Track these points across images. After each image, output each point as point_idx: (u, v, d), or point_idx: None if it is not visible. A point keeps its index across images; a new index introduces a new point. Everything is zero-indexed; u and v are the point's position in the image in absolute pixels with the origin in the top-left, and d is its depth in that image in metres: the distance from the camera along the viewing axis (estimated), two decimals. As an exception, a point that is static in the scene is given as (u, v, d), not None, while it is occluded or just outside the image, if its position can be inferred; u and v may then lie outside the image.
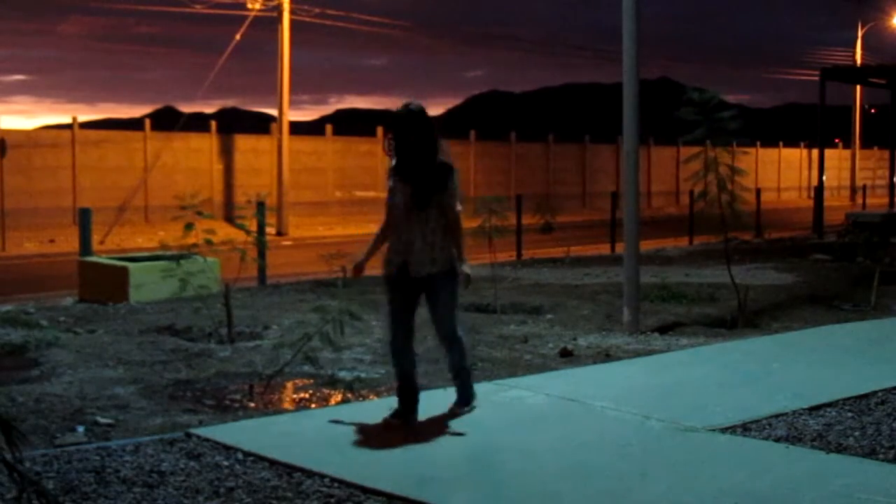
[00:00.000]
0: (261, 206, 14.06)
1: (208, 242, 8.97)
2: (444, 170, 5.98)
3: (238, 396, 6.98)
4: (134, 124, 30.39)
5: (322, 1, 31.18)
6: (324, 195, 32.16)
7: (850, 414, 6.32)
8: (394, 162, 6.06)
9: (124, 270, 11.84)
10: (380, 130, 32.79)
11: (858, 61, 48.46)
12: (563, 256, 17.49)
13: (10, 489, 4.08)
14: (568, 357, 8.30)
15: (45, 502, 3.22)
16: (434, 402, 6.52)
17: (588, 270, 15.19)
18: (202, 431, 5.81)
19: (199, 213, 9.06)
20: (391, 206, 6.07)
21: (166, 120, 32.94)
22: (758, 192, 25.60)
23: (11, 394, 6.76)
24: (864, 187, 39.26)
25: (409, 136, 5.91)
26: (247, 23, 27.97)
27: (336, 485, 4.90)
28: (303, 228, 28.59)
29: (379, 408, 6.50)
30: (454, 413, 6.22)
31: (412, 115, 5.93)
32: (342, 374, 7.59)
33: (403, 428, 5.92)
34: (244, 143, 30.77)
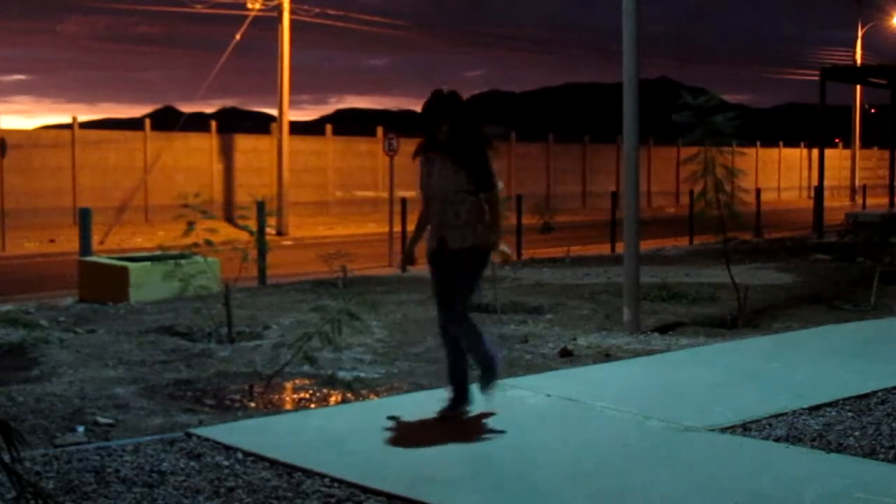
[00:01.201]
0: (261, 206, 14.09)
1: (209, 243, 8.99)
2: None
3: (238, 396, 6.98)
4: (134, 124, 30.41)
5: (322, 1, 31.22)
6: (324, 195, 32.17)
7: (850, 414, 6.32)
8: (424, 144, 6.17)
9: (124, 270, 11.84)
10: (380, 130, 32.80)
11: (858, 61, 48.44)
12: (563, 256, 17.49)
13: (10, 489, 4.09)
14: (568, 357, 8.30)
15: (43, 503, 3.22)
16: (435, 401, 6.53)
17: (588, 270, 15.19)
18: (202, 431, 5.81)
19: (204, 213, 9.08)
20: (427, 188, 6.16)
21: (166, 120, 32.96)
22: (758, 192, 25.60)
23: (11, 394, 6.76)
24: (864, 187, 39.26)
25: (444, 121, 6.02)
26: (247, 23, 27.99)
27: (336, 485, 4.90)
28: (303, 228, 28.58)
29: (378, 408, 6.51)
30: (447, 415, 6.14)
31: (445, 100, 6.04)
32: (342, 374, 7.58)
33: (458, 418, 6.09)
34: (244, 143, 30.78)
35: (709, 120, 10.12)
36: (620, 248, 14.04)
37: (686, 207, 24.54)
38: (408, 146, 33.98)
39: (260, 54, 34.83)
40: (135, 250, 18.71)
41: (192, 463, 5.25)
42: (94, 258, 13.09)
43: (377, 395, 7.03)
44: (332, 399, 6.96)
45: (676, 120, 10.19)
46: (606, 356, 8.37)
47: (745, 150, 11.79)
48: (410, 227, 18.30)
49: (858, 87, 45.26)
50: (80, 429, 5.98)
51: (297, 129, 33.71)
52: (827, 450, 5.51)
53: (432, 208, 6.13)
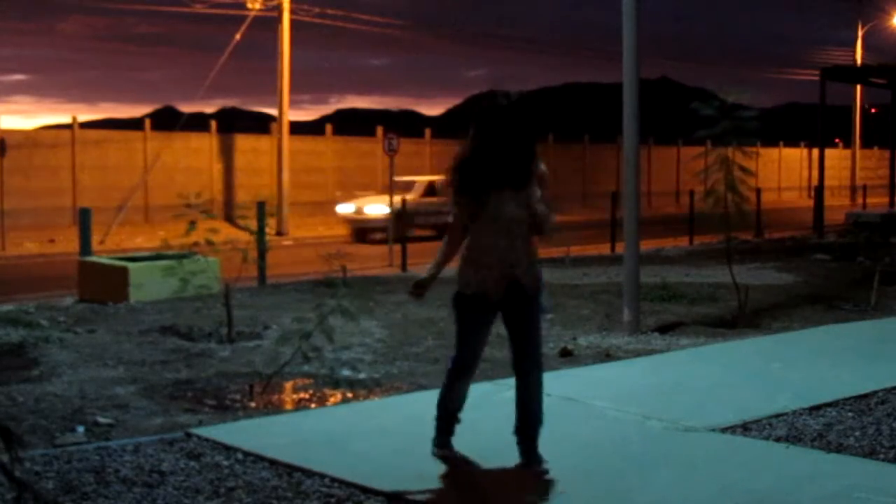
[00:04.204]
0: (260, 206, 14.09)
1: (210, 243, 8.98)
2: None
3: (238, 396, 6.98)
4: (134, 124, 30.41)
5: (322, 1, 31.22)
6: (324, 195, 32.16)
7: (850, 414, 6.31)
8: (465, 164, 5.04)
9: (124, 270, 11.84)
10: (380, 130, 32.81)
11: (858, 61, 48.42)
12: (563, 256, 17.47)
13: (11, 489, 4.09)
14: (568, 357, 8.30)
15: (42, 504, 3.22)
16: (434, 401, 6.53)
17: (588, 270, 15.19)
18: (202, 431, 5.81)
19: (206, 213, 9.09)
20: (483, 217, 4.98)
21: (166, 120, 32.95)
22: (758, 191, 25.54)
23: (11, 394, 6.76)
24: (865, 187, 39.25)
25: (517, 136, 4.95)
26: (247, 23, 27.98)
27: (336, 485, 4.90)
28: (303, 228, 28.58)
29: (378, 408, 6.51)
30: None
31: (516, 110, 4.97)
32: (342, 373, 7.59)
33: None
34: (244, 143, 30.78)
35: (735, 115, 10.09)
36: (620, 248, 14.03)
37: (686, 207, 24.55)
38: (407, 146, 33.66)
39: (260, 54, 34.77)
40: (135, 250, 18.72)
41: (192, 463, 5.25)
42: (94, 258, 13.08)
43: (377, 395, 7.02)
44: (332, 399, 6.96)
45: (701, 111, 10.11)
46: (606, 356, 8.37)
47: (758, 150, 11.77)
48: (410, 227, 18.36)
49: (858, 87, 45.27)
50: (80, 429, 5.98)
51: (297, 129, 33.70)
52: (827, 450, 5.51)
53: (492, 242, 4.98)
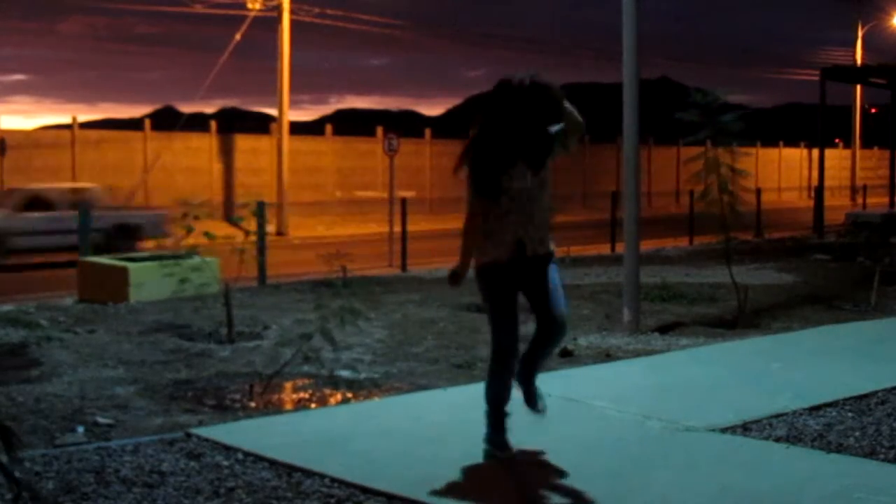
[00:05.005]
0: (260, 205, 14.09)
1: (209, 236, 8.99)
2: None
3: (238, 396, 6.98)
4: (134, 124, 30.44)
5: (322, 1, 31.23)
6: (324, 195, 32.17)
7: (850, 414, 6.31)
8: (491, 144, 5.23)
9: (124, 270, 11.84)
10: (380, 130, 32.82)
11: (858, 61, 48.42)
12: (563, 256, 17.48)
13: (10, 490, 4.09)
14: (568, 357, 8.29)
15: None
16: (434, 401, 6.53)
17: (588, 270, 15.19)
18: (202, 431, 5.81)
19: (198, 215, 9.11)
20: (506, 192, 5.18)
21: (166, 120, 32.98)
22: (758, 192, 25.57)
23: (11, 394, 6.76)
24: (865, 187, 39.25)
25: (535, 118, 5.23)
26: (247, 23, 28.00)
27: (336, 485, 4.90)
28: (303, 228, 28.59)
29: (378, 408, 6.51)
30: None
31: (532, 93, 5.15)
32: (342, 373, 7.59)
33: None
34: (244, 143, 30.79)
35: (717, 119, 10.11)
36: (620, 248, 14.03)
37: (686, 207, 24.54)
38: (407, 146, 33.74)
39: (260, 54, 34.87)
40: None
41: (192, 463, 5.25)
42: (93, 258, 13.09)
43: (377, 395, 7.02)
44: (332, 399, 6.96)
45: (683, 118, 10.16)
46: (606, 356, 8.37)
47: (749, 150, 11.76)
48: (411, 227, 18.35)
49: (858, 87, 45.27)
50: (80, 429, 5.98)
51: (297, 129, 33.72)
52: (827, 450, 5.51)
53: (511, 216, 5.19)
